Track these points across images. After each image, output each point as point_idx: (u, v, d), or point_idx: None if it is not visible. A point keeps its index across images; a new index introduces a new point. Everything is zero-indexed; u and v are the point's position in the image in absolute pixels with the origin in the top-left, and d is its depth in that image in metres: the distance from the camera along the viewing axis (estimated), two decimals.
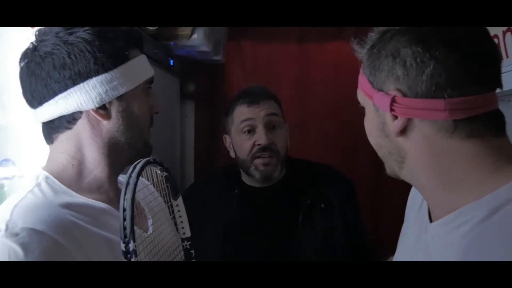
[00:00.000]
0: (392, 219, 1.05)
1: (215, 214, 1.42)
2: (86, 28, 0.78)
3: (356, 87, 0.75)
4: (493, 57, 0.66)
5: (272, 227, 1.38)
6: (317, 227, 1.36)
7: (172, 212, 0.85)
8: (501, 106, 0.66)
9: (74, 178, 0.81)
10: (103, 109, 0.80)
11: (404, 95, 0.65)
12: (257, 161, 1.38)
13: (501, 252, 0.57)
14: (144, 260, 0.69)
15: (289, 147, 1.47)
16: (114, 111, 0.81)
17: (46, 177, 0.79)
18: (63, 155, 0.81)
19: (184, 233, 0.85)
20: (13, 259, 0.65)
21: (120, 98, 0.80)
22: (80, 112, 0.79)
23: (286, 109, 1.50)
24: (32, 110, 0.82)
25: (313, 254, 1.33)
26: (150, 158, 0.75)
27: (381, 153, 0.74)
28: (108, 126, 0.81)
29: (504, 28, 1.36)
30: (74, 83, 0.77)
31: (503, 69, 0.67)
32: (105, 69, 0.78)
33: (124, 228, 0.65)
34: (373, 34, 0.71)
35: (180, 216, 0.85)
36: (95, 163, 0.82)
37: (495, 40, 1.37)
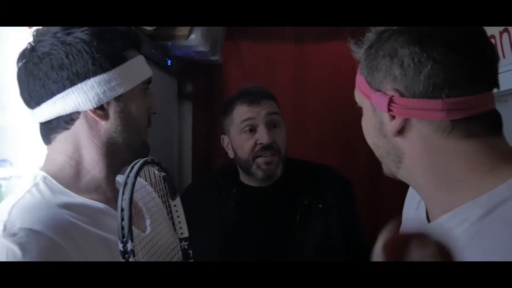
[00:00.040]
0: (390, 219, 1.05)
1: (213, 214, 1.42)
2: (84, 28, 0.78)
3: (353, 87, 0.75)
4: (491, 57, 0.67)
5: (270, 226, 1.38)
6: (315, 227, 1.36)
7: (170, 212, 0.85)
8: (498, 106, 0.67)
9: (72, 178, 0.81)
10: (101, 110, 0.80)
11: (402, 95, 0.65)
12: (259, 160, 1.38)
13: (498, 251, 0.58)
14: (142, 260, 0.69)
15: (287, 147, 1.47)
16: (112, 111, 0.81)
17: (44, 177, 0.79)
18: (61, 155, 0.81)
19: (182, 233, 0.85)
20: (11, 259, 0.65)
21: (118, 98, 0.80)
22: (78, 113, 0.79)
23: (284, 109, 1.50)
24: (30, 110, 0.82)
25: (311, 253, 1.33)
26: (148, 158, 0.75)
27: (378, 153, 0.74)
28: (106, 126, 0.81)
29: (501, 28, 1.36)
30: (72, 83, 0.77)
31: (500, 69, 0.67)
32: (103, 70, 0.78)
33: (122, 228, 0.65)
34: (371, 34, 0.71)
35: (178, 216, 0.85)
36: (93, 163, 0.82)
37: (492, 40, 1.37)
